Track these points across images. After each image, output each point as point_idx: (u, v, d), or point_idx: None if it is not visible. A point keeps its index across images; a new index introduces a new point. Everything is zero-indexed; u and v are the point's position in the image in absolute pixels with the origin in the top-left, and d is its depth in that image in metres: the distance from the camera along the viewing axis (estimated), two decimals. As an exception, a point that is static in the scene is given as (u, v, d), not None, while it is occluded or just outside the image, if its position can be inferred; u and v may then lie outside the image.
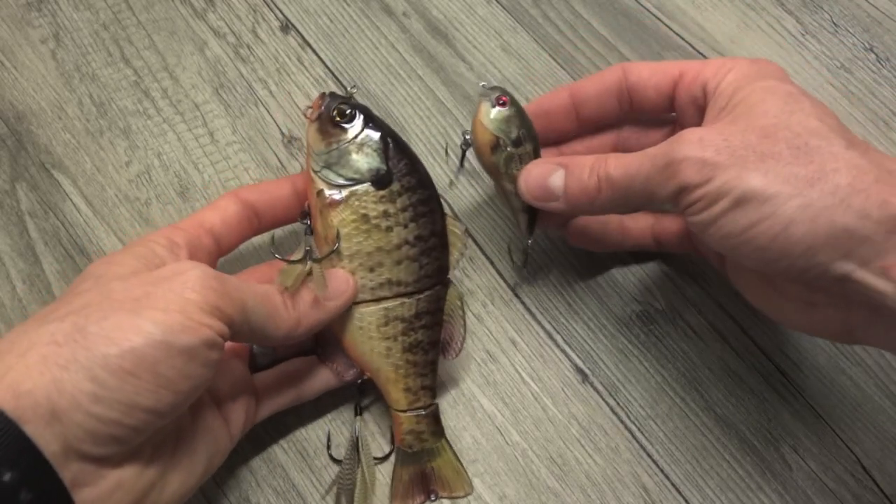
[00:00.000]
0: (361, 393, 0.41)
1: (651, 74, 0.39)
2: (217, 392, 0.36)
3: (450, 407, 0.42)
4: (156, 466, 0.31)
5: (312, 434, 0.41)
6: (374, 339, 0.38)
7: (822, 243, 0.29)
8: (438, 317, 0.39)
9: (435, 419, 0.39)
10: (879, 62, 0.54)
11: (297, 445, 0.41)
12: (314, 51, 0.53)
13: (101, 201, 0.47)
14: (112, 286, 0.30)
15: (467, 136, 0.41)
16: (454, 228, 0.39)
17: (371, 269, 0.37)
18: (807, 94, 0.34)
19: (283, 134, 0.50)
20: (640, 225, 0.44)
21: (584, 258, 0.46)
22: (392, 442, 0.41)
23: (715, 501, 0.40)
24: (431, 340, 0.39)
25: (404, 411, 0.39)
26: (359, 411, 0.40)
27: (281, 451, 0.41)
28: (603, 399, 0.43)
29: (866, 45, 0.55)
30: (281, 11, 0.55)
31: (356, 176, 0.36)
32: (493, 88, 0.39)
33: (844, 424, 0.42)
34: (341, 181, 0.36)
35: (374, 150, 0.37)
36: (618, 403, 0.43)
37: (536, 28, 0.55)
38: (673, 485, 0.41)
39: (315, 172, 0.37)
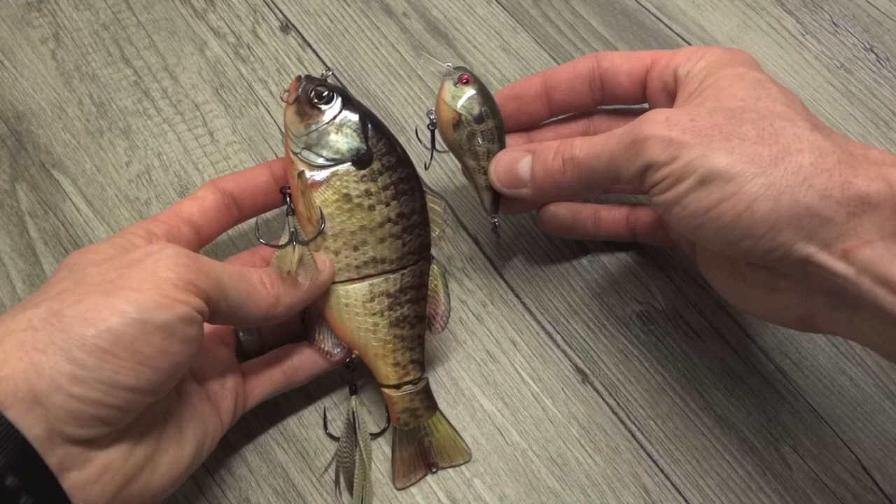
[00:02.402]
0: (352, 371, 0.41)
1: (623, 61, 0.40)
2: (204, 378, 0.36)
3: (450, 407, 0.42)
4: (144, 448, 0.31)
5: (312, 434, 0.41)
6: (360, 315, 0.38)
7: (785, 223, 0.30)
8: (423, 291, 0.39)
9: (427, 394, 0.40)
10: (879, 62, 0.54)
11: (297, 445, 0.41)
12: (314, 51, 0.53)
13: (101, 201, 0.47)
14: (87, 272, 0.30)
15: (432, 116, 0.41)
16: (434, 205, 0.39)
17: (355, 248, 0.37)
18: (774, 82, 0.34)
19: (283, 134, 0.50)
20: (614, 215, 0.44)
21: (585, 259, 0.46)
22: (388, 420, 0.41)
23: (715, 501, 0.40)
24: (417, 314, 0.39)
25: (396, 387, 0.39)
26: (354, 389, 0.41)
27: (281, 451, 0.41)
28: (603, 399, 0.43)
29: (866, 45, 0.55)
30: (281, 11, 0.55)
31: (336, 156, 0.37)
32: (458, 69, 0.40)
33: (844, 424, 0.42)
34: (322, 161, 0.37)
35: (354, 131, 0.37)
36: (618, 403, 0.43)
37: (536, 28, 0.55)
38: (673, 485, 0.41)
39: (295, 154, 0.37)
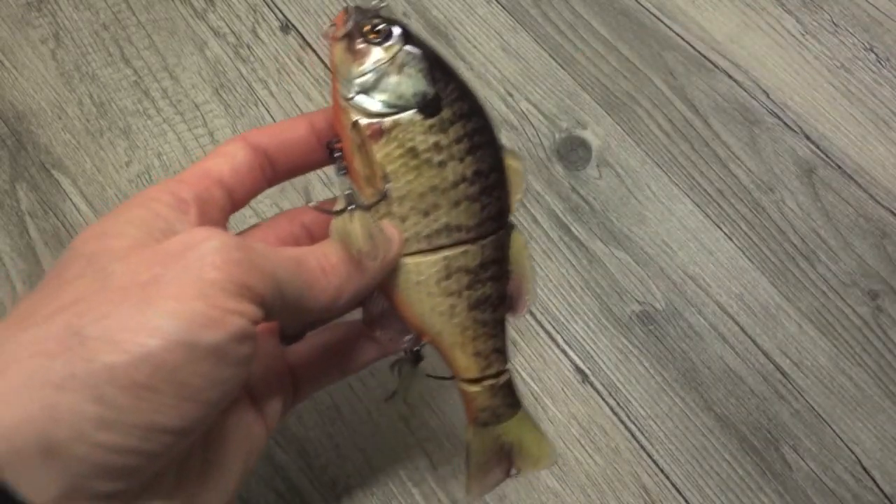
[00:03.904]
0: (416, 361, 0.35)
1: None
2: (249, 380, 0.30)
3: (449, 407, 0.42)
4: (186, 489, 0.25)
5: (312, 434, 0.41)
6: (434, 296, 0.32)
7: None
8: (504, 266, 0.33)
9: (510, 389, 0.34)
10: (879, 62, 0.54)
11: (297, 445, 0.41)
12: (314, 51, 0.53)
13: (101, 201, 0.47)
14: (110, 270, 0.24)
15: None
16: (512, 163, 0.33)
17: (425, 214, 0.31)
18: None
19: (283, 134, 0.50)
20: None
21: (585, 259, 0.46)
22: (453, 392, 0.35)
23: (715, 501, 0.40)
24: (500, 294, 0.33)
25: (476, 381, 0.33)
26: (418, 357, 0.35)
27: (281, 451, 0.41)
28: (603, 399, 0.43)
29: (866, 45, 0.55)
30: (281, 11, 0.55)
31: (399, 102, 0.31)
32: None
33: (844, 424, 0.42)
34: (381, 108, 0.31)
35: (419, 71, 0.31)
36: (618, 403, 0.43)
37: (536, 28, 0.55)
38: (673, 485, 0.40)
39: (348, 100, 0.30)
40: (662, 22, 0.55)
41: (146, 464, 0.22)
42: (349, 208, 0.30)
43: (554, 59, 0.54)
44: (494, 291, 0.33)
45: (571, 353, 0.44)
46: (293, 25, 0.54)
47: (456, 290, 0.32)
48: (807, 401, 0.43)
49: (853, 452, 0.41)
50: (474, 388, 0.33)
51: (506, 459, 0.35)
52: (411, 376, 0.35)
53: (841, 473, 0.41)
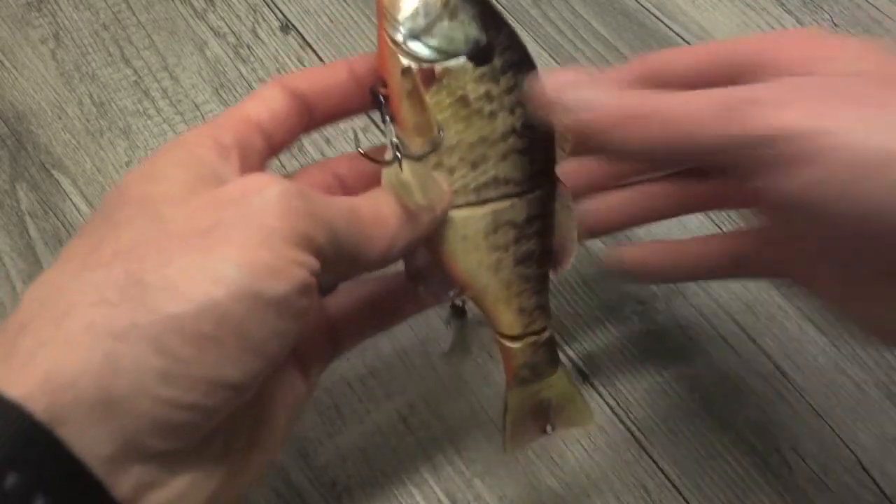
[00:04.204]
0: (461, 316, 0.35)
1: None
2: None
3: (450, 407, 0.42)
4: (232, 454, 0.24)
5: (312, 434, 0.41)
6: (481, 250, 0.31)
7: None
8: (550, 221, 0.32)
9: (551, 346, 0.34)
10: (879, 62, 0.54)
11: (297, 445, 0.41)
12: (314, 51, 0.53)
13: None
14: (165, 214, 0.22)
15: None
16: None
17: (474, 165, 0.30)
18: None
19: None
20: (717, 244, 0.35)
21: (583, 257, 0.46)
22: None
23: (715, 501, 0.40)
24: (545, 249, 0.32)
25: (518, 338, 0.33)
26: (462, 311, 0.35)
27: (281, 451, 0.41)
28: (603, 399, 0.43)
29: (866, 45, 0.55)
30: (281, 11, 0.55)
31: (450, 48, 0.29)
32: None
33: (844, 424, 0.42)
34: (431, 54, 0.29)
35: (471, 17, 0.30)
36: (618, 403, 0.43)
37: (536, 28, 0.55)
38: (673, 485, 0.40)
39: (397, 45, 0.29)
40: (662, 22, 0.55)
41: (204, 421, 0.22)
42: (400, 158, 0.29)
43: (554, 59, 0.54)
44: (539, 247, 0.32)
45: (571, 353, 0.44)
46: (293, 25, 0.55)
47: (503, 245, 0.31)
48: (807, 401, 0.43)
49: (853, 452, 0.41)
50: (516, 345, 0.33)
51: (542, 417, 0.34)
52: (464, 327, 0.35)
53: (841, 473, 0.41)
